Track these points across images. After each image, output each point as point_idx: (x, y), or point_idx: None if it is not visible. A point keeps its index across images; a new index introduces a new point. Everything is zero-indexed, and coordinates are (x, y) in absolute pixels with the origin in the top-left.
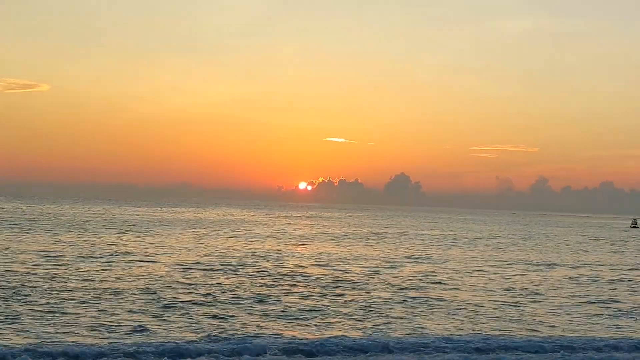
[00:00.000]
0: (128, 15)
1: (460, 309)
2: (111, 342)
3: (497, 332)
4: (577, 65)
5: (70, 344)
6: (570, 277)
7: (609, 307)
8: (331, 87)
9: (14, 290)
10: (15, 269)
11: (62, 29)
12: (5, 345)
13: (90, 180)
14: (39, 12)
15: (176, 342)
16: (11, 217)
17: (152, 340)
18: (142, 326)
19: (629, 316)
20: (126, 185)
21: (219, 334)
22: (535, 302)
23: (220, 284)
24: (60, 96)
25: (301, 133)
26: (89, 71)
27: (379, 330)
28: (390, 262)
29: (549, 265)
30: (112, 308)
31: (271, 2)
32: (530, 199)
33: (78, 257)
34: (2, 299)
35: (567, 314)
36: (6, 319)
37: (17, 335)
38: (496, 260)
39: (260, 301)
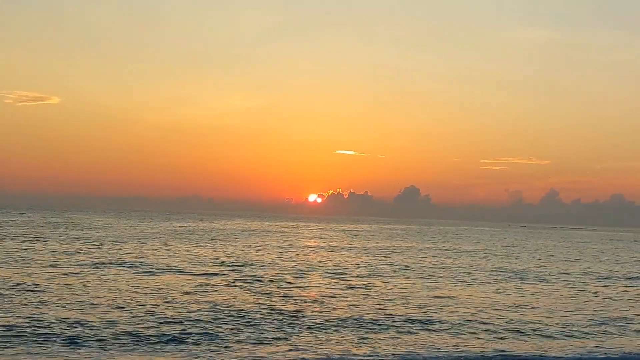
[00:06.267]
0: (138, 27)
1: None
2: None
3: None
4: (588, 76)
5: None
6: None
7: None
8: (341, 99)
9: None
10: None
11: (72, 42)
12: None
13: (100, 194)
14: (49, 25)
15: None
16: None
17: None
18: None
19: None
20: (137, 198)
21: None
22: None
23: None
24: (71, 108)
25: (311, 145)
26: (99, 83)
27: None
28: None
29: None
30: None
31: (282, 15)
32: (540, 211)
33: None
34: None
35: None
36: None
37: None
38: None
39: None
